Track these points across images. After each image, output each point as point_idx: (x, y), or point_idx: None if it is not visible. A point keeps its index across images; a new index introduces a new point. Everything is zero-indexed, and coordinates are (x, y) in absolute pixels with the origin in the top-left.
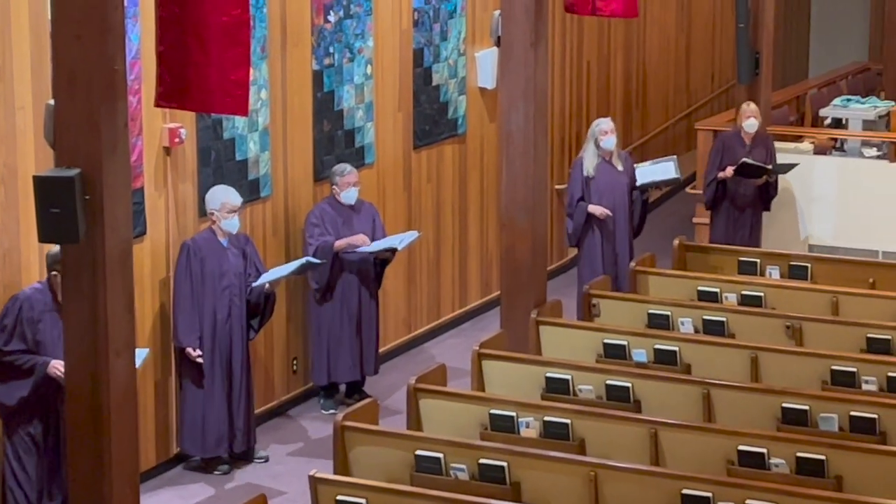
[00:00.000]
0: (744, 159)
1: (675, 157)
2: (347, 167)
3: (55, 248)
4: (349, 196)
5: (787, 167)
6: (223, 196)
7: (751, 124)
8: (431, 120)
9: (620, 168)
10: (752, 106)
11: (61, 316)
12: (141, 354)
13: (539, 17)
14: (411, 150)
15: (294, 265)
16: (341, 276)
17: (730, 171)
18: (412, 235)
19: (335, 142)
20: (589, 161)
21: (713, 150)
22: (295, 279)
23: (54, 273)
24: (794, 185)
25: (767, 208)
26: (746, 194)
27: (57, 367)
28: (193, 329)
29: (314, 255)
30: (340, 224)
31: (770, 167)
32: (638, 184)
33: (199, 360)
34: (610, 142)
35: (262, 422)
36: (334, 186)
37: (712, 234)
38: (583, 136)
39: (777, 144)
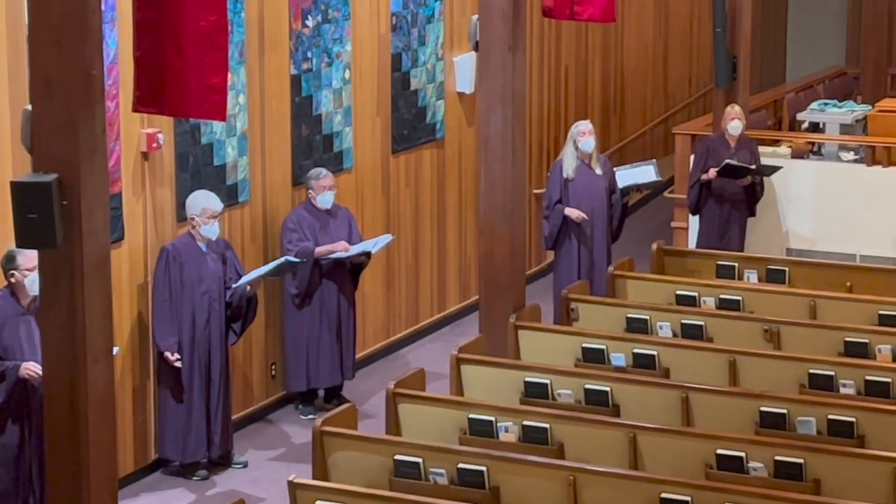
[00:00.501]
0: (727, 161)
1: (654, 160)
2: (323, 171)
3: (11, 250)
4: (325, 200)
5: (772, 169)
6: (204, 201)
7: (735, 126)
8: (410, 124)
9: (599, 172)
10: (737, 108)
11: (37, 321)
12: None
13: (517, 22)
14: (390, 154)
15: (273, 264)
16: (320, 282)
17: (712, 172)
18: (386, 239)
19: (313, 146)
20: (568, 163)
21: (697, 153)
22: (273, 284)
23: (11, 273)
24: (775, 189)
25: (753, 213)
26: (734, 192)
27: (29, 368)
28: (172, 334)
29: None
30: (318, 229)
31: (754, 167)
32: (620, 186)
33: (178, 364)
34: (588, 143)
35: (240, 427)
36: (310, 191)
37: (698, 239)
38: (561, 140)
39: None
